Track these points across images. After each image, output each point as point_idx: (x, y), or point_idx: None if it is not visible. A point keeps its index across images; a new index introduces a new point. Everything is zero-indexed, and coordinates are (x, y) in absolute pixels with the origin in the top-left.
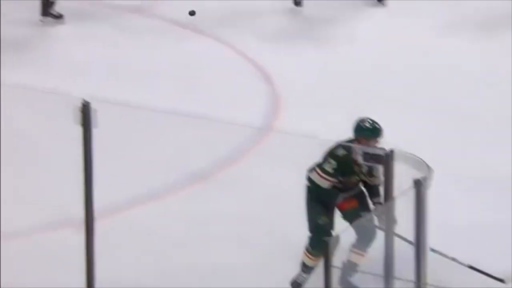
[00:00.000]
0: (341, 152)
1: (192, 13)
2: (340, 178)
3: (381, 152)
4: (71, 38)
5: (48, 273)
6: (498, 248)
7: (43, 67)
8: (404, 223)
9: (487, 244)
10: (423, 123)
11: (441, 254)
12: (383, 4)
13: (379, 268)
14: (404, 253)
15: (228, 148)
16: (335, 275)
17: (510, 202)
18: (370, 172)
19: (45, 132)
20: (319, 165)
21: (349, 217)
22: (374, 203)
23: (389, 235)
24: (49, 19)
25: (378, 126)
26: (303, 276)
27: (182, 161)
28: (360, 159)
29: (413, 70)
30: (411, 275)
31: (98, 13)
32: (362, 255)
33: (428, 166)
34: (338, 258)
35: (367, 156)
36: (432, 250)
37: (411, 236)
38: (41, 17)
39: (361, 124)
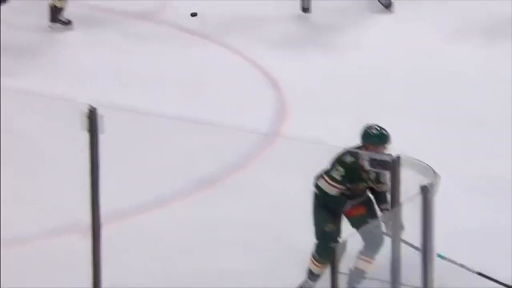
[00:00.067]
0: (348, 159)
1: (194, 14)
2: (348, 185)
3: (387, 158)
4: (79, 44)
5: (54, 278)
6: (507, 254)
7: (51, 73)
8: (411, 229)
9: (495, 250)
10: (429, 129)
11: (450, 260)
12: (390, 11)
13: (386, 274)
14: (411, 259)
15: (235, 154)
16: (342, 281)
17: None
18: (378, 179)
19: (52, 138)
20: (327, 172)
21: (357, 224)
22: (381, 210)
23: (396, 241)
24: (58, 25)
25: (385, 133)
26: (309, 283)
27: (189, 167)
28: (367, 165)
29: (420, 76)
30: (418, 281)
31: (105, 19)
32: (370, 262)
33: (434, 172)
34: (345, 265)
35: (374, 162)
36: (440, 256)
37: (418, 242)
38: (50, 24)
39: (368, 131)
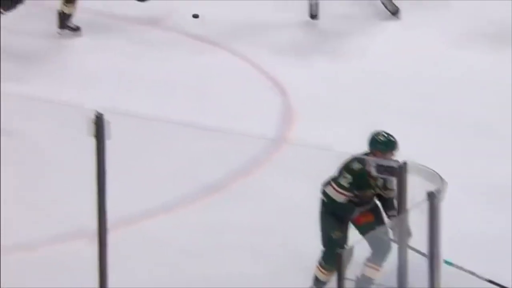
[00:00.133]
0: (356, 166)
1: (195, 16)
2: (356, 192)
3: (394, 164)
4: (86, 50)
5: (60, 284)
6: None
7: (59, 79)
8: (418, 235)
9: (501, 256)
10: (435, 135)
11: (458, 267)
12: (397, 17)
13: (393, 281)
14: (417, 265)
15: (241, 159)
16: None
17: None
18: (385, 185)
19: (58, 144)
20: (335, 180)
21: (365, 231)
22: (389, 217)
23: (403, 247)
24: (67, 31)
25: (393, 139)
26: None
27: (195, 172)
28: (373, 172)
29: (426, 82)
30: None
31: (113, 25)
32: (377, 270)
33: (441, 178)
34: (352, 271)
35: (381, 168)
36: (448, 263)
37: (424, 248)
38: (59, 30)
39: (376, 137)
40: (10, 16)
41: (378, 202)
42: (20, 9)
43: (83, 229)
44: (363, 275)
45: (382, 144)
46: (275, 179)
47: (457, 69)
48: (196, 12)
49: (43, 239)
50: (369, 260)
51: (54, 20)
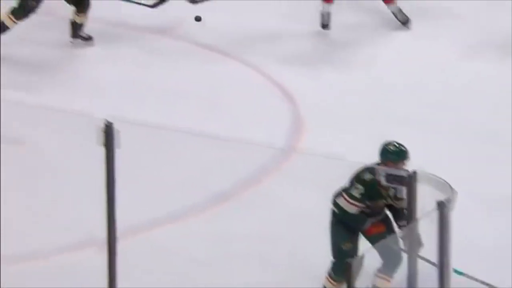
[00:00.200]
0: (368, 176)
1: (198, 18)
2: (368, 203)
3: (404, 174)
4: (97, 59)
5: None
6: None
7: (69, 88)
8: (428, 245)
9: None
10: (446, 145)
11: (468, 277)
12: (407, 27)
13: None
14: (427, 275)
15: (250, 168)
16: None
17: None
18: (396, 195)
19: (68, 153)
20: (346, 190)
21: (376, 242)
22: (399, 227)
23: (413, 256)
24: (79, 41)
25: (404, 149)
26: None
27: (205, 181)
28: (383, 181)
29: (436, 92)
30: None
31: (123, 34)
32: (388, 281)
33: (451, 188)
34: (362, 282)
35: (390, 178)
36: (457, 272)
37: (434, 258)
38: (71, 39)
39: (386, 148)
40: (23, 26)
41: (388, 213)
42: (32, 18)
43: (92, 237)
44: (373, 286)
45: (394, 154)
46: (284, 188)
47: (465, 78)
48: (209, 24)
49: (52, 247)
50: (379, 271)
51: (66, 30)
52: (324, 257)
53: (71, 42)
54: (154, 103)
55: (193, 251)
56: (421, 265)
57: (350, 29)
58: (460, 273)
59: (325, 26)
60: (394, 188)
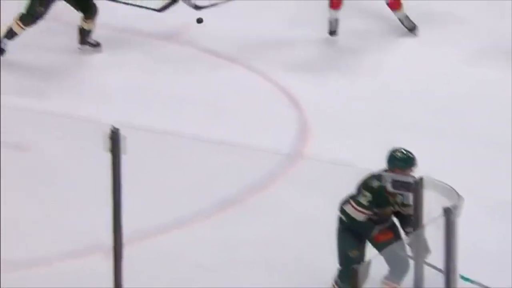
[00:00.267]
0: (375, 183)
1: (199, 20)
2: (376, 210)
3: (410, 180)
4: (104, 65)
5: None
6: None
7: (76, 94)
8: (434, 251)
9: None
10: (452, 151)
11: (475, 283)
12: (414, 34)
13: None
14: (434, 281)
15: (257, 174)
16: None
17: None
18: (403, 202)
19: (74, 159)
20: (353, 198)
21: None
22: (406, 233)
23: (419, 263)
24: (87, 47)
25: (411, 156)
26: None
27: (211, 187)
28: (389, 187)
29: (443, 98)
30: None
31: (130, 40)
32: None
33: (458, 194)
34: None
35: (396, 184)
36: (464, 278)
37: (441, 264)
38: (79, 45)
39: (394, 155)
40: (31, 32)
41: (395, 220)
42: (40, 24)
43: (98, 243)
44: None
45: (401, 161)
46: (290, 194)
47: (471, 84)
48: (216, 31)
49: (58, 253)
50: (386, 277)
51: (74, 36)
52: (331, 264)
53: (79, 48)
54: (161, 109)
55: (199, 257)
56: (427, 271)
57: (356, 36)
58: (467, 280)
59: (332, 32)
60: (401, 195)
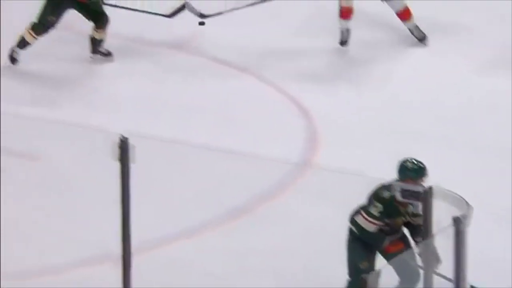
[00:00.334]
0: (386, 194)
1: (202, 23)
2: (387, 221)
3: (419, 189)
4: (114, 74)
5: None
6: None
7: (86, 103)
8: (443, 261)
9: None
10: (460, 160)
11: None
12: (424, 44)
13: None
14: None
15: (266, 183)
16: None
17: None
18: (413, 212)
19: (83, 168)
20: (364, 208)
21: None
22: (416, 243)
23: (429, 272)
24: (98, 56)
25: (422, 165)
26: None
27: (220, 196)
28: (398, 197)
29: (452, 107)
30: None
31: (141, 50)
32: None
33: (467, 204)
34: None
35: (406, 193)
36: None
37: (450, 274)
38: (91, 55)
39: (405, 165)
40: (42, 41)
41: (405, 230)
42: (51, 33)
43: (107, 252)
44: None
45: (412, 171)
46: (300, 203)
47: (482, 95)
48: (221, 37)
49: (67, 263)
50: None
51: (85, 45)
52: (340, 273)
53: (91, 57)
54: (170, 118)
55: (208, 266)
56: (437, 281)
57: (366, 46)
58: None
59: (344, 42)
60: (412, 205)
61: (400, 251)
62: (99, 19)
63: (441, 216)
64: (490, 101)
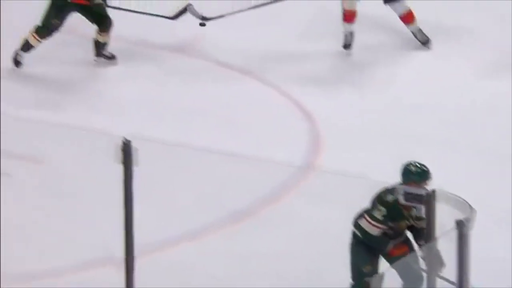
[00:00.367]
0: (390, 197)
1: (202, 24)
2: (391, 224)
3: (422, 192)
4: (118, 78)
5: None
6: None
7: (90, 106)
8: (447, 264)
9: None
10: (463, 163)
11: None
12: (427, 47)
13: None
14: None
15: (269, 186)
16: None
17: None
18: (417, 215)
19: (86, 171)
20: (368, 212)
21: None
22: (419, 246)
23: (432, 275)
24: (102, 59)
25: (426, 169)
26: None
27: (223, 199)
28: (401, 199)
29: (455, 111)
30: None
31: (144, 53)
32: None
33: (470, 207)
34: None
35: (409, 196)
36: None
37: (453, 277)
38: (95, 58)
39: (409, 168)
40: (46, 44)
41: (408, 234)
42: (55, 36)
43: (110, 255)
44: None
45: (416, 174)
46: (303, 206)
47: (485, 98)
48: (224, 41)
49: (70, 265)
50: None
51: (89, 48)
52: (343, 276)
53: (95, 60)
54: (172, 121)
55: (211, 269)
56: (439, 284)
57: (369, 49)
58: None
59: (347, 46)
60: (415, 208)
61: (404, 255)
62: (103, 22)
63: (444, 219)
64: (493, 104)
